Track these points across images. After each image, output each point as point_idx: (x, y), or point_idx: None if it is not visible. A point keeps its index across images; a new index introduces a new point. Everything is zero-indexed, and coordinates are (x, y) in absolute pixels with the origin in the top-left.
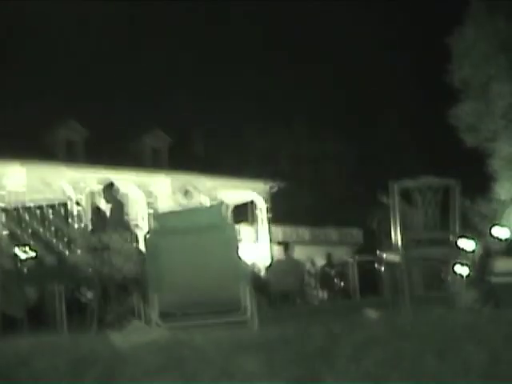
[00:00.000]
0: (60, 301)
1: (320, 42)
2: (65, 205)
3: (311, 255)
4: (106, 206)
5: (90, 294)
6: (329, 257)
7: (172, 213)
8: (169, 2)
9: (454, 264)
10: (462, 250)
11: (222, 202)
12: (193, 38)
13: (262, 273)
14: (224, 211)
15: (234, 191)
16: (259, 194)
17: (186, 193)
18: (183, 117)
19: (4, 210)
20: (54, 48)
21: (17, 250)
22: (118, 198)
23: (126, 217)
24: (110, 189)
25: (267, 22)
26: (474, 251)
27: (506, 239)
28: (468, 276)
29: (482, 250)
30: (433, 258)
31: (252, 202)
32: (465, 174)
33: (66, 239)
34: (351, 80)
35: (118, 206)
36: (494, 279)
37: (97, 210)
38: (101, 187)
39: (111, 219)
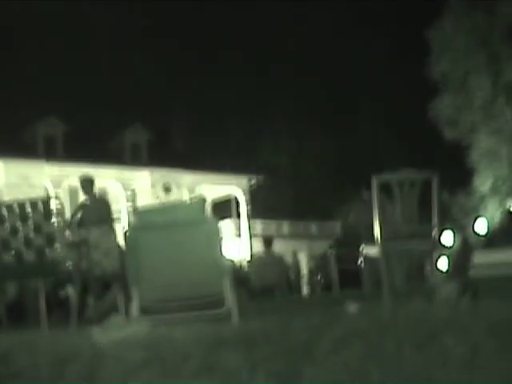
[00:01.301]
0: (39, 297)
1: (299, 39)
2: (44, 200)
3: (292, 249)
4: (84, 200)
5: (69, 290)
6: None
7: (152, 208)
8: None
9: (437, 257)
10: (441, 243)
11: (202, 198)
12: (173, 36)
13: (243, 267)
14: (205, 206)
15: (214, 186)
16: (239, 188)
17: (166, 188)
18: (163, 112)
19: None
20: (35, 45)
21: None
22: (97, 191)
23: (107, 211)
24: (87, 182)
25: (246, 21)
26: (453, 244)
27: (486, 233)
28: (447, 269)
29: (460, 242)
30: (412, 251)
31: (233, 197)
32: (444, 166)
33: (45, 235)
34: (330, 75)
35: (97, 199)
36: (472, 272)
37: (84, 206)
38: (79, 181)
39: (90, 213)
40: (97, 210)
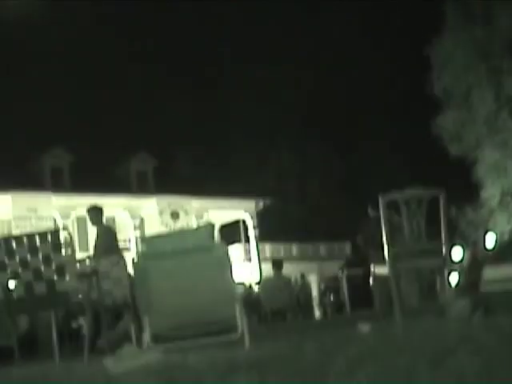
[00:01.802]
0: (51, 328)
1: (303, 56)
2: (53, 232)
3: (304, 272)
4: (92, 229)
5: (81, 320)
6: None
7: (160, 236)
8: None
9: (448, 274)
10: (451, 259)
11: (210, 223)
12: (174, 62)
13: (253, 291)
14: (213, 232)
15: (222, 211)
16: (247, 212)
17: (174, 215)
18: (168, 139)
19: None
20: (40, 74)
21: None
22: (104, 220)
23: (114, 240)
24: (95, 211)
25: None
26: (462, 260)
27: (495, 247)
28: (457, 285)
29: (470, 258)
30: (423, 268)
31: (241, 221)
32: (451, 182)
33: (55, 266)
34: (333, 95)
35: (105, 228)
36: (483, 287)
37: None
38: (87, 211)
39: (99, 243)
40: (106, 239)
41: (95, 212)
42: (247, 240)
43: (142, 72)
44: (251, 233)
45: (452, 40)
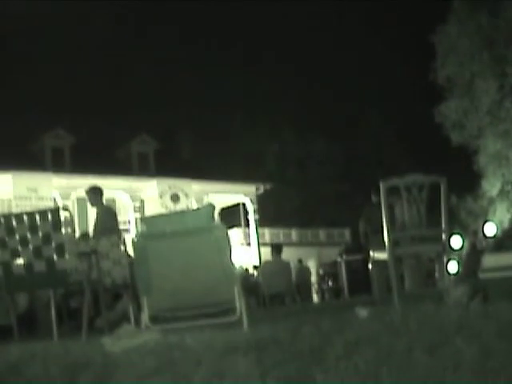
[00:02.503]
0: (50, 307)
1: (304, 44)
2: (53, 211)
3: (303, 257)
4: (91, 210)
5: (80, 300)
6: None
7: (160, 216)
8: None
9: (447, 261)
10: (451, 247)
11: (210, 205)
12: (178, 43)
13: (252, 274)
14: (213, 213)
15: (221, 195)
16: (247, 196)
17: (174, 197)
18: (169, 121)
19: None
20: (41, 56)
21: (5, 257)
22: (104, 201)
23: (114, 220)
24: (94, 192)
25: (253, 25)
26: (462, 248)
27: (494, 235)
28: (457, 272)
29: (469, 246)
30: (422, 255)
31: (241, 205)
32: (452, 170)
33: (54, 245)
34: (336, 81)
35: (105, 209)
36: (482, 275)
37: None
38: (86, 191)
39: (99, 223)
40: (105, 221)
41: (95, 192)
42: (247, 224)
43: (145, 53)
44: (251, 217)
45: (457, 28)
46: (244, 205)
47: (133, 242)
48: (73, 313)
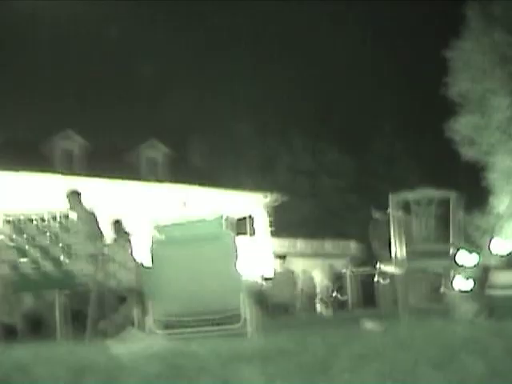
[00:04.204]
0: (55, 308)
1: (317, 55)
2: (62, 213)
3: (309, 268)
4: (72, 215)
5: (84, 301)
6: (330, 269)
7: (170, 223)
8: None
9: (454, 276)
10: (458, 262)
11: (221, 214)
12: (188, 49)
13: (261, 284)
14: (223, 223)
15: (231, 203)
16: (256, 205)
17: (183, 204)
18: (180, 127)
19: (5, 219)
20: (53, 59)
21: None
22: (85, 205)
23: (96, 224)
24: (74, 195)
25: (265, 35)
26: (470, 264)
27: (509, 253)
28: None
29: (477, 262)
30: (431, 270)
31: (250, 214)
32: (461, 186)
33: (62, 246)
34: (348, 92)
35: (86, 213)
36: (492, 292)
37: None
38: (65, 195)
39: (81, 228)
40: (87, 226)
41: (74, 196)
42: (255, 233)
43: (158, 57)
44: (259, 226)
45: (471, 44)
46: (253, 214)
47: (144, 247)
48: (77, 314)
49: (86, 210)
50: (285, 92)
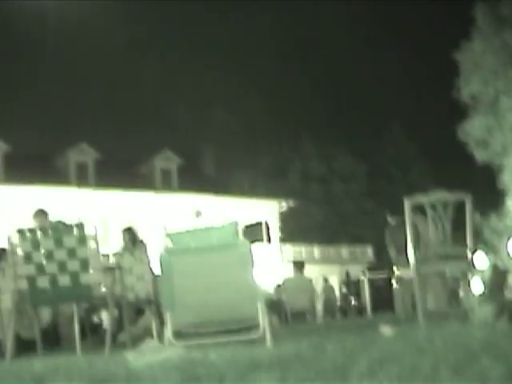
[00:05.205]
0: (73, 322)
1: (327, 60)
2: (78, 225)
3: (326, 274)
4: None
5: (103, 315)
6: (347, 275)
7: (185, 232)
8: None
9: (472, 279)
10: (475, 265)
11: (234, 221)
12: (199, 59)
13: (278, 292)
14: (237, 230)
15: (244, 210)
16: (270, 212)
17: (197, 213)
18: (192, 137)
19: (19, 231)
20: (65, 72)
21: (30, 271)
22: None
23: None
24: (41, 216)
25: (278, 41)
26: (486, 266)
27: None
28: (483, 291)
29: (494, 264)
30: (447, 273)
31: (264, 222)
32: (475, 188)
33: (79, 260)
34: (358, 97)
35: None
36: (508, 294)
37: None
38: (32, 216)
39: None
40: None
41: (42, 216)
42: (269, 240)
43: (172, 68)
44: (273, 233)
45: (481, 45)
46: (267, 222)
47: (159, 257)
48: (96, 327)
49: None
50: (297, 98)
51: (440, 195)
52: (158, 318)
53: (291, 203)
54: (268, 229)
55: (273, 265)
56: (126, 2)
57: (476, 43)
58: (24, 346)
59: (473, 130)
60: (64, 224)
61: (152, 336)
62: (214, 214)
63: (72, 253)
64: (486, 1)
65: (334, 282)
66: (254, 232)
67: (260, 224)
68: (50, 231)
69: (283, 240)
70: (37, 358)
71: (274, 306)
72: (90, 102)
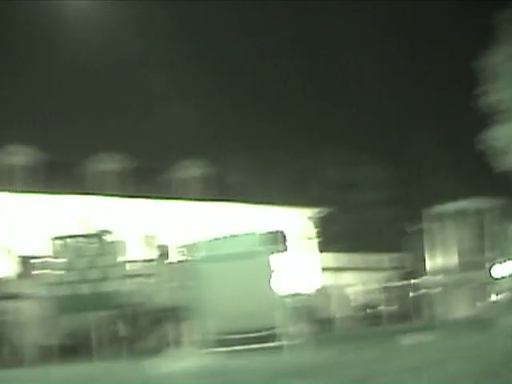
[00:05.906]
0: (93, 329)
1: (351, 68)
2: (99, 235)
3: (351, 282)
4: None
5: (122, 322)
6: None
7: (212, 240)
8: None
9: (493, 288)
10: (496, 274)
11: (260, 230)
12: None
13: (304, 300)
14: (263, 239)
15: (269, 219)
16: (296, 221)
17: (220, 221)
18: (216, 146)
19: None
20: (89, 81)
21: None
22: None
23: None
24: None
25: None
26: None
27: None
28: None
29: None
30: (469, 282)
31: (288, 230)
32: (497, 197)
33: (100, 269)
34: (380, 105)
35: None
36: None
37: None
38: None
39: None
40: None
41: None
42: (287, 249)
43: (193, 77)
44: (298, 242)
45: (503, 52)
46: (290, 230)
47: (185, 266)
48: (115, 335)
49: None
50: (316, 104)
51: (459, 204)
52: (175, 326)
53: (322, 211)
54: (284, 238)
55: (300, 273)
56: None
57: (498, 51)
58: (45, 353)
59: (497, 137)
60: (85, 235)
61: (170, 344)
62: (236, 222)
63: (93, 261)
64: (506, 7)
65: (360, 289)
66: (280, 239)
67: (285, 231)
68: (71, 241)
69: (318, 248)
70: (57, 365)
71: (301, 313)
72: (112, 111)
